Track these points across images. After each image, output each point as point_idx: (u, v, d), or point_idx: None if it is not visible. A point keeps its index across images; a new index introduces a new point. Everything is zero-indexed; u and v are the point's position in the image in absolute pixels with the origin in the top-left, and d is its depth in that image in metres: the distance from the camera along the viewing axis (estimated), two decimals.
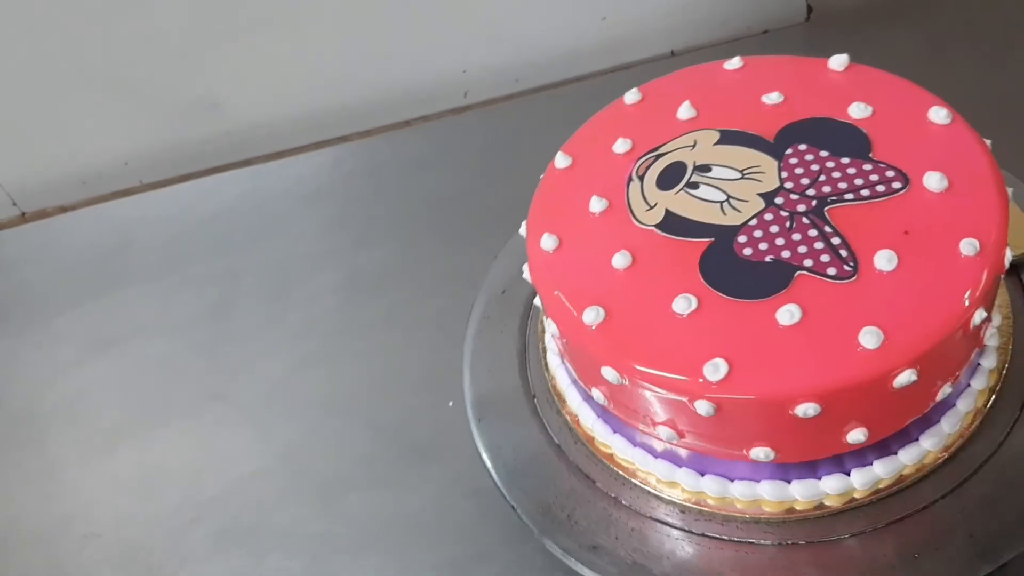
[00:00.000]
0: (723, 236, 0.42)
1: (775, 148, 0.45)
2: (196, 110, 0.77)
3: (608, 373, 0.40)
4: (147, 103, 0.76)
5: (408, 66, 0.77)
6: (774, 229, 0.41)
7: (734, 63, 0.49)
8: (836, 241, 0.40)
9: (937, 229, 0.40)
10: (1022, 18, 0.71)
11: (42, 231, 0.78)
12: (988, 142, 0.43)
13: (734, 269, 0.40)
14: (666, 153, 0.46)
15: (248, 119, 0.78)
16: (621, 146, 0.47)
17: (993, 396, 0.45)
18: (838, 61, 0.47)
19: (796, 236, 0.41)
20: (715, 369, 0.37)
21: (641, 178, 0.45)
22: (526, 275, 0.46)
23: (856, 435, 0.39)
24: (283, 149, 0.80)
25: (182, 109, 0.77)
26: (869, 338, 0.37)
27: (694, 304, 0.40)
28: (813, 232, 0.41)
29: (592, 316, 0.41)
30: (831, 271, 0.39)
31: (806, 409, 0.37)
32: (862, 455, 0.42)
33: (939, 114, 0.44)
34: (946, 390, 0.41)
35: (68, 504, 0.57)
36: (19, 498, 0.58)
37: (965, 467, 0.43)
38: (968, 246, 0.39)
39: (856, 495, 0.43)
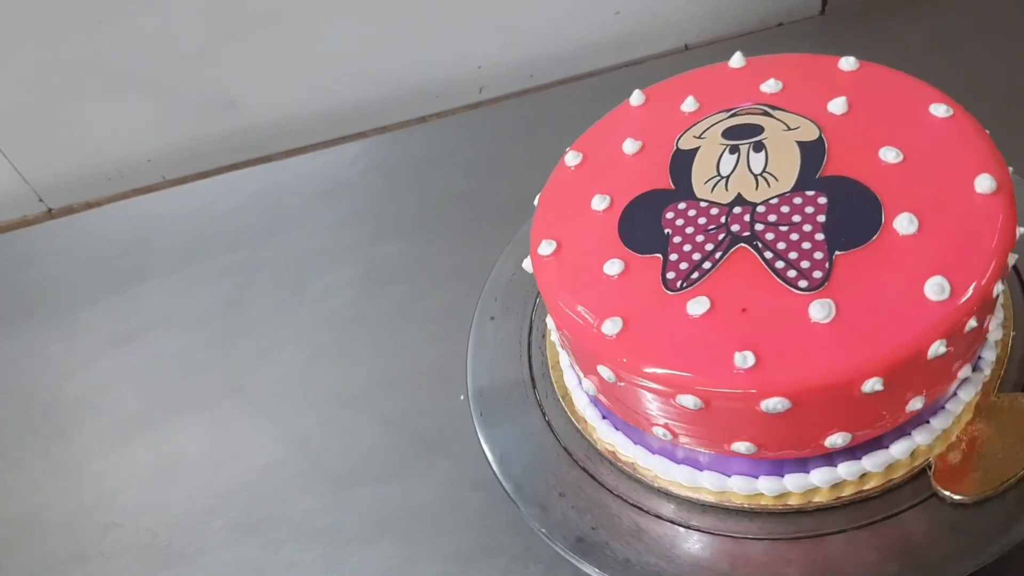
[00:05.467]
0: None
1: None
2: (215, 108, 0.78)
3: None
4: (168, 101, 0.78)
5: (423, 62, 0.78)
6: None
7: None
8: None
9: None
10: None
11: (68, 227, 0.80)
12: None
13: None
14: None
15: (266, 116, 0.79)
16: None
17: None
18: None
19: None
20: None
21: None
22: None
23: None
24: (301, 145, 0.81)
25: (202, 107, 0.78)
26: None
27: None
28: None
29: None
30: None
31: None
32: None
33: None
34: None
35: (90, 494, 0.59)
36: (44, 487, 0.60)
37: None
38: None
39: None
